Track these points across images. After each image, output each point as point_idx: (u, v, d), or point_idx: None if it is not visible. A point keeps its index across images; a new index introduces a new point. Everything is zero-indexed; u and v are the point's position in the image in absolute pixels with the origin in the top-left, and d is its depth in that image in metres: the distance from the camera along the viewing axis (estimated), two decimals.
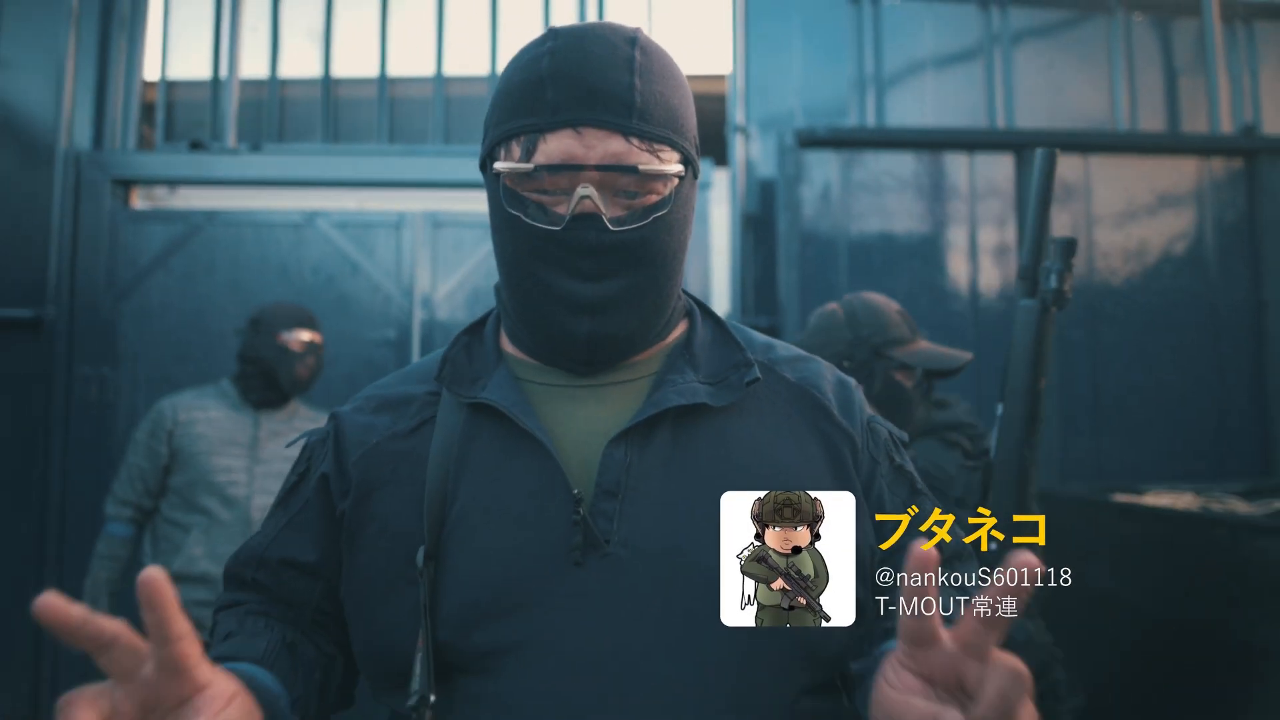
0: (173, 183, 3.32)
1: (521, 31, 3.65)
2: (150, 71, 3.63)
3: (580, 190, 0.69)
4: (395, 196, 3.26)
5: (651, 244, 0.72)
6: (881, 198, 3.10)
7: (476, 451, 0.73)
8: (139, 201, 3.35)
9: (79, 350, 3.12)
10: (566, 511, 0.69)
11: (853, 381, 0.83)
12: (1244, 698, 1.97)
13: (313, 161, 3.33)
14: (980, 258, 3.09)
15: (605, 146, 0.68)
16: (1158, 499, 2.59)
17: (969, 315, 3.08)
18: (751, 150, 3.27)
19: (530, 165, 0.69)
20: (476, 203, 3.25)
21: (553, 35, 0.72)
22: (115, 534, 2.14)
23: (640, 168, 0.69)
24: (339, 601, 0.76)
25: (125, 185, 3.30)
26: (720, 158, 3.45)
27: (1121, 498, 2.64)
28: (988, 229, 3.10)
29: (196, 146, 3.39)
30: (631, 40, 0.71)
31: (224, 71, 3.56)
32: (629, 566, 0.68)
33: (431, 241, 3.16)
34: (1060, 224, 3.07)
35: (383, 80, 3.69)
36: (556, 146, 0.68)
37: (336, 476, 0.77)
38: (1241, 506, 2.44)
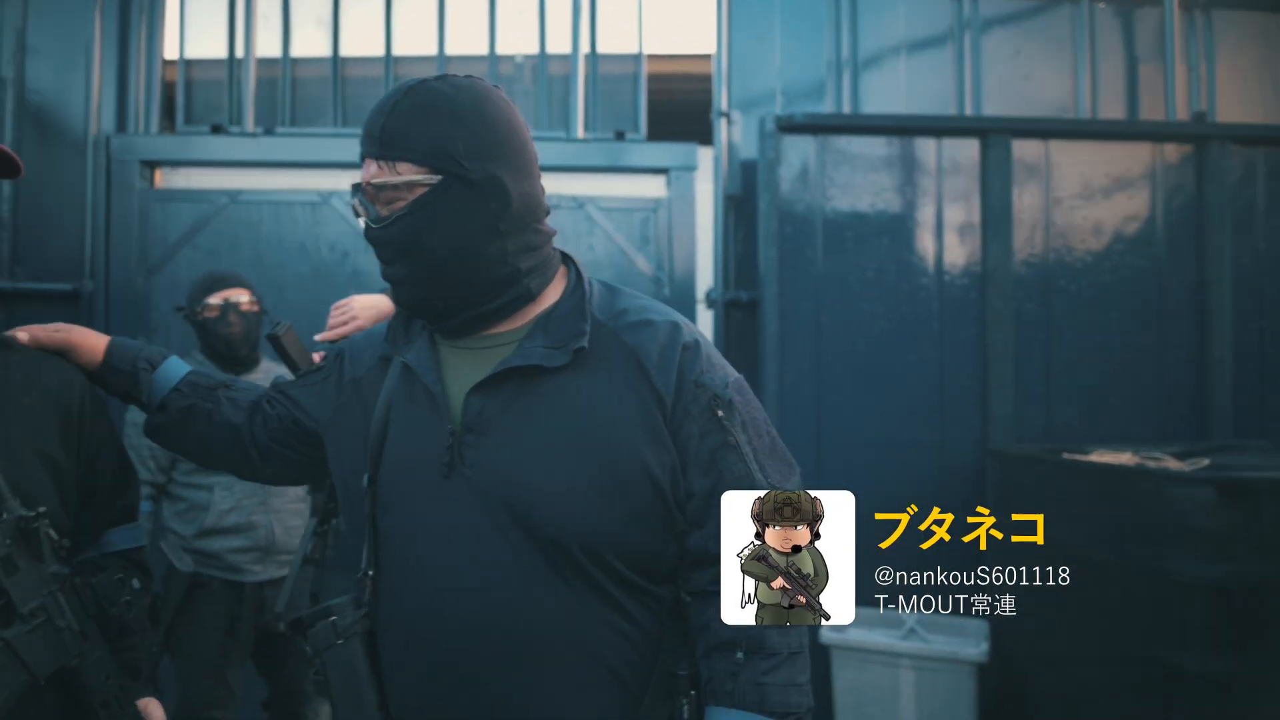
0: (195, 164, 3.56)
1: (518, 11, 3.83)
2: (169, 52, 3.82)
3: (352, 201, 1.01)
4: None
5: (401, 237, 0.97)
6: (854, 178, 3.31)
7: (400, 399, 1.03)
8: (161, 182, 3.59)
9: (114, 321, 3.40)
10: (444, 440, 0.98)
11: (690, 341, 1.01)
12: (1167, 624, 2.29)
13: (325, 144, 3.55)
14: (946, 235, 3.32)
15: (369, 170, 0.98)
16: (1100, 457, 2.87)
17: (934, 289, 3.32)
18: (734, 133, 3.48)
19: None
20: None
21: None
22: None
23: (373, 182, 0.97)
24: (293, 431, 1.16)
25: (150, 166, 3.54)
26: (705, 139, 3.65)
27: (1069, 456, 2.93)
28: (954, 208, 3.32)
29: (217, 130, 3.61)
30: (406, 89, 0.98)
31: (240, 53, 3.75)
32: (476, 481, 0.97)
33: None
34: (1022, 205, 3.29)
35: (388, 60, 3.88)
36: (362, 175, 1.00)
37: (335, 381, 1.13)
38: (1174, 464, 2.72)
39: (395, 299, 1.06)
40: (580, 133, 3.49)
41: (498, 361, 0.99)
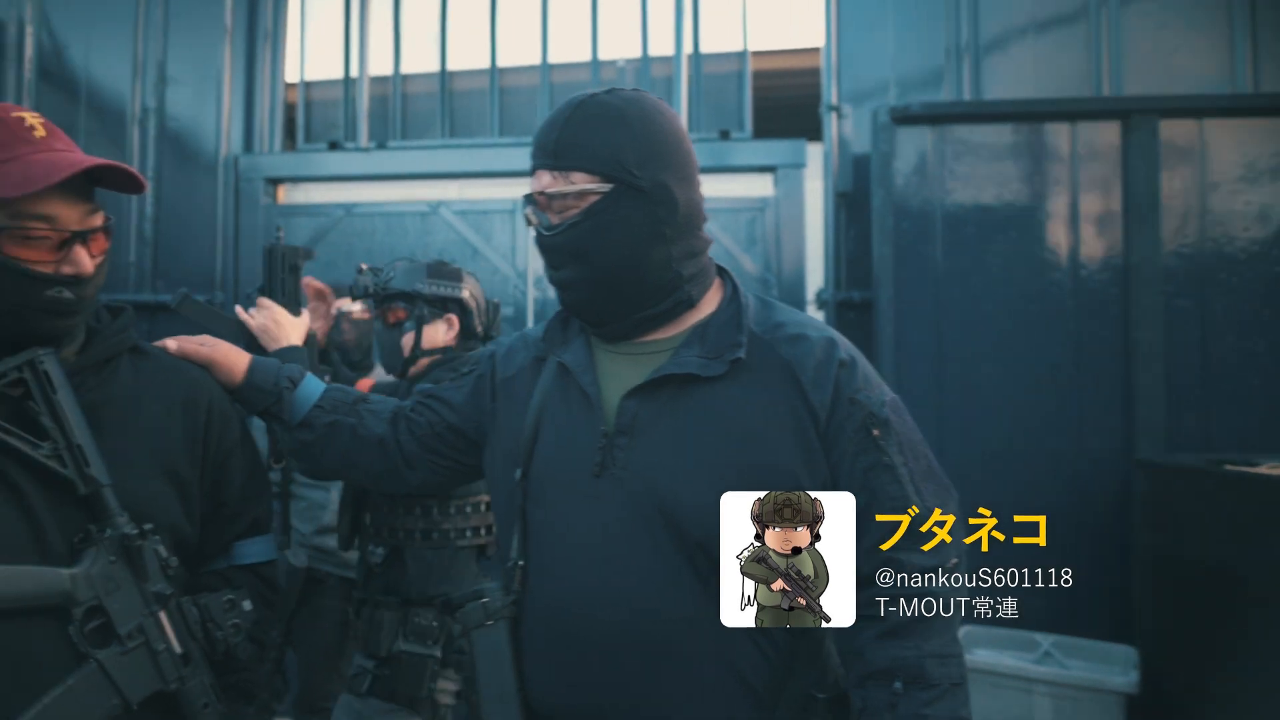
0: (314, 180, 3.72)
1: (620, 15, 3.80)
2: (290, 75, 4.02)
3: (525, 210, 1.05)
4: (509, 185, 3.52)
5: (573, 243, 1.00)
6: (977, 169, 3.10)
7: (555, 398, 1.06)
8: (284, 198, 3.77)
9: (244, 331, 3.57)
10: (596, 440, 1.01)
11: (846, 357, 1.00)
12: None
13: (434, 155, 3.63)
14: (1081, 226, 3.06)
15: (542, 180, 1.02)
16: (1273, 470, 2.55)
17: (1068, 284, 3.06)
18: (844, 128, 3.33)
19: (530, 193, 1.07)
20: None
21: None
22: None
23: (548, 190, 1.01)
24: (444, 436, 1.18)
25: (274, 183, 3.72)
26: (814, 135, 3.52)
27: (1234, 468, 2.61)
28: (1090, 196, 3.05)
29: (334, 147, 3.76)
30: (576, 104, 1.02)
31: (354, 72, 3.90)
32: (626, 483, 0.98)
33: None
34: (1171, 191, 2.99)
35: (493, 72, 3.94)
36: (533, 185, 1.05)
37: (489, 380, 1.16)
38: None
39: (562, 302, 1.08)
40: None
41: (653, 368, 1.01)
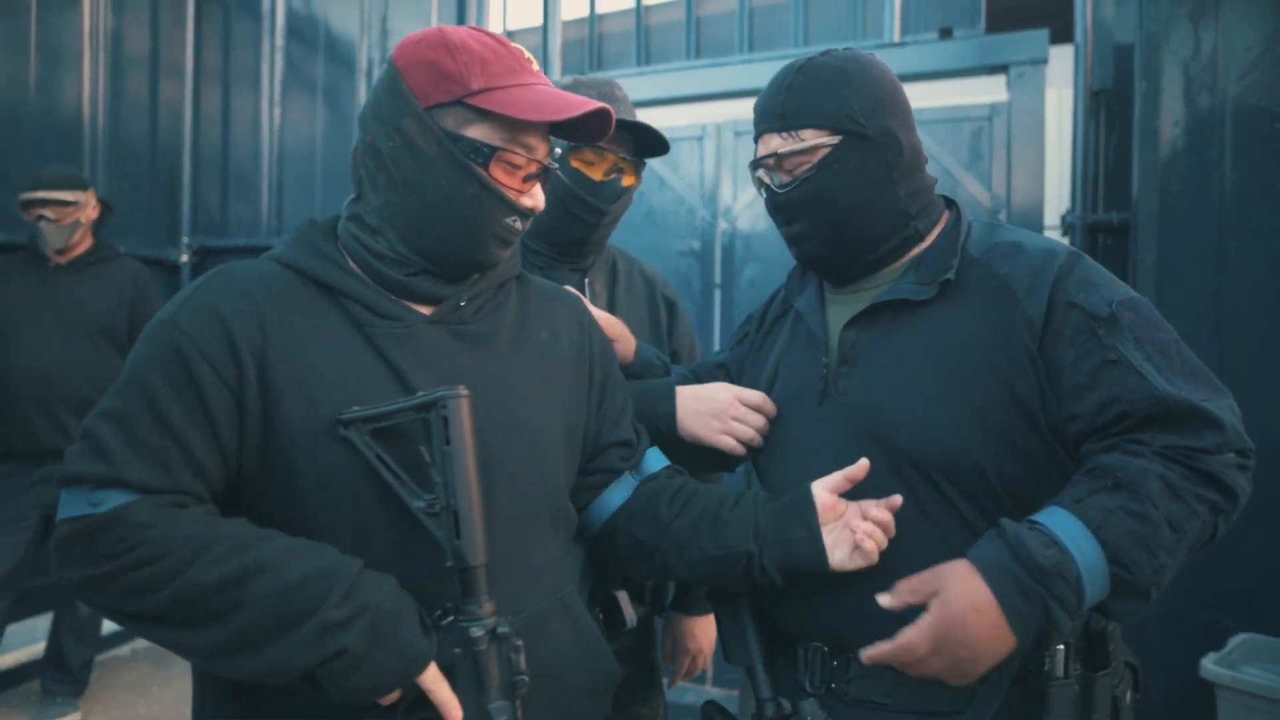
0: None
1: None
2: (494, 26, 4.11)
3: (757, 173, 1.13)
4: (700, 110, 3.31)
5: (807, 196, 1.07)
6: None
7: (789, 340, 1.18)
8: None
9: None
10: (819, 371, 1.11)
11: (1065, 264, 0.99)
12: None
13: (623, 83, 3.51)
14: None
15: (770, 144, 1.09)
16: None
17: None
18: (1103, 10, 2.73)
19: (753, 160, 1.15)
20: None
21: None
22: None
23: (779, 151, 1.08)
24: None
25: None
26: (1060, 36, 2.93)
27: None
28: None
29: None
30: (796, 69, 1.09)
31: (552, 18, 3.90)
32: (846, 407, 1.07)
33: (733, 150, 3.17)
34: None
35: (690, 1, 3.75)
36: (759, 151, 1.12)
37: (757, 328, 1.28)
38: None
39: (797, 256, 1.15)
40: (896, 36, 3.00)
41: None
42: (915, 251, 1.10)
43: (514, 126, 0.92)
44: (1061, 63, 2.95)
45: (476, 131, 0.92)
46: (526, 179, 0.96)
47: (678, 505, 1.07)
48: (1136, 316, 0.95)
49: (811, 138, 1.05)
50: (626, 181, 1.46)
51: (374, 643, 0.82)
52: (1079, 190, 2.78)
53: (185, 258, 4.14)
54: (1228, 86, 2.43)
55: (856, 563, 0.98)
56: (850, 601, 1.00)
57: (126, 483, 0.84)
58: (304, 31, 4.11)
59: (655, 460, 1.15)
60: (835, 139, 1.04)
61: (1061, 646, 0.95)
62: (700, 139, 3.22)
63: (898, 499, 0.99)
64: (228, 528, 0.86)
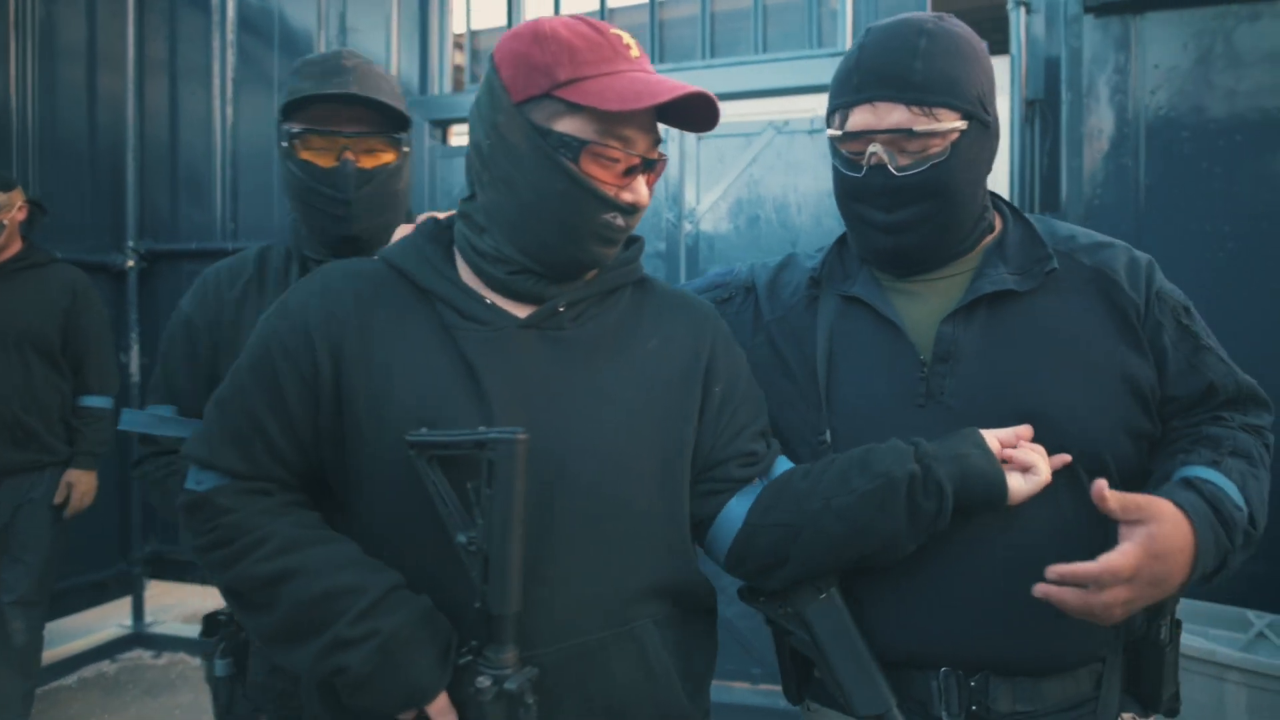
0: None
1: None
2: (458, 26, 4.14)
3: (870, 148, 0.99)
4: None
5: (933, 182, 0.98)
6: (1190, 65, 2.67)
7: (845, 333, 1.06)
8: (454, 139, 3.89)
9: None
10: (915, 371, 1.01)
11: (1146, 258, 1.05)
12: None
13: None
14: None
15: (891, 116, 0.97)
16: None
17: None
18: (1034, 25, 2.98)
19: (840, 132, 1.02)
20: (736, 114, 3.33)
21: (867, 32, 1.03)
22: None
23: (915, 129, 0.96)
24: None
25: (443, 125, 3.84)
26: (999, 48, 3.17)
27: None
28: None
29: None
30: (920, 30, 0.97)
31: (515, 20, 3.96)
32: (959, 411, 0.99)
33: (696, 152, 3.31)
34: None
35: (653, 5, 3.86)
36: (857, 118, 1.00)
37: (753, 319, 1.16)
38: None
39: (883, 246, 1.04)
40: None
41: (952, 295, 1.03)
42: (986, 242, 1.07)
43: (606, 118, 0.88)
44: (1000, 74, 3.19)
45: (567, 125, 0.89)
46: (628, 172, 0.92)
47: (815, 473, 0.99)
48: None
49: (948, 119, 0.96)
50: (367, 163, 1.31)
51: (381, 666, 0.82)
52: (1017, 190, 3.03)
53: (131, 263, 3.99)
54: (1141, 99, 2.70)
55: (1033, 484, 0.93)
56: (980, 611, 0.96)
57: (217, 467, 0.92)
58: (258, 24, 4.05)
59: (784, 465, 1.06)
60: (964, 123, 0.97)
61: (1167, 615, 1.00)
62: (664, 142, 3.36)
63: (1066, 456, 0.96)
64: (286, 524, 0.89)
